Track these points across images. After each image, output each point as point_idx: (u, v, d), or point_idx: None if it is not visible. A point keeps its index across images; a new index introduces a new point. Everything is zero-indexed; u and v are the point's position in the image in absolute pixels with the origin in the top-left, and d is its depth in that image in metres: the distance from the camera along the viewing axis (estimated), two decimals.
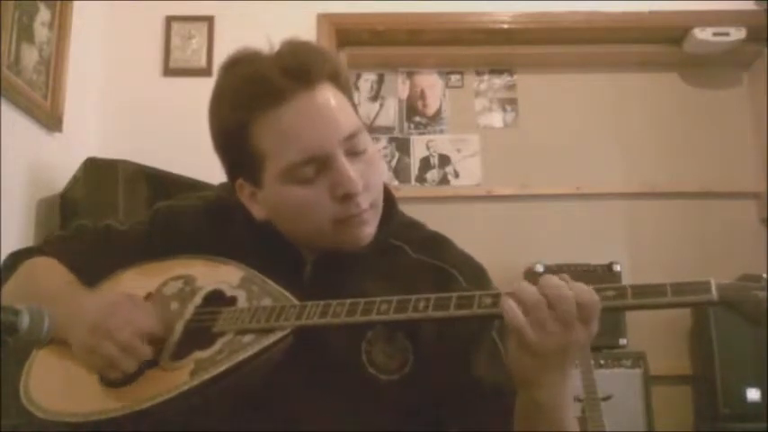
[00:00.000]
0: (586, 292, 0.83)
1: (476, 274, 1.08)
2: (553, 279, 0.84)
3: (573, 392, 0.91)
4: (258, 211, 1.06)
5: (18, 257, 1.19)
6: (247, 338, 0.93)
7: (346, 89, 1.05)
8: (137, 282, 1.11)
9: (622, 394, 2.76)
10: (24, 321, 0.82)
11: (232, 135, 1.02)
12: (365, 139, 1.03)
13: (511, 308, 0.83)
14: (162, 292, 1.08)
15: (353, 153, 1.01)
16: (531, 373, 0.86)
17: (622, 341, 2.93)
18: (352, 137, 1.00)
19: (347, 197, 0.99)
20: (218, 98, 1.05)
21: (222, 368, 0.91)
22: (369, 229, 1.03)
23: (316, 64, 1.00)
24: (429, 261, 1.08)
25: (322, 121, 0.98)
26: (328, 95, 1.00)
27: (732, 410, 2.79)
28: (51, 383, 1.01)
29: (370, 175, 1.02)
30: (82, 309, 1.01)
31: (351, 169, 0.99)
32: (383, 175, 1.09)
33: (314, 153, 0.98)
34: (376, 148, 1.07)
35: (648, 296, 0.82)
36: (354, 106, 1.07)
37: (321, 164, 0.99)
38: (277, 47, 1.02)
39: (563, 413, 0.89)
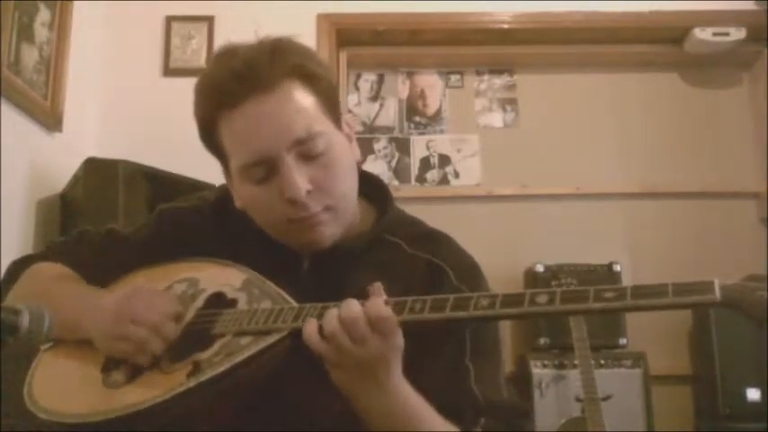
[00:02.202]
0: (376, 308, 0.87)
1: (467, 272, 1.08)
2: (348, 303, 0.88)
3: (408, 397, 0.92)
4: (237, 200, 1.09)
5: (21, 265, 1.19)
6: (245, 340, 0.94)
7: (316, 87, 1.03)
8: (143, 285, 1.11)
9: (622, 394, 2.76)
10: (24, 321, 0.82)
11: (204, 130, 1.07)
12: (326, 142, 1.02)
13: (308, 334, 0.89)
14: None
15: (308, 156, 1.01)
16: (346, 386, 0.90)
17: (622, 341, 2.93)
18: (304, 141, 1.00)
19: (291, 201, 1.00)
20: (195, 92, 1.08)
21: (219, 370, 0.91)
22: (326, 231, 1.03)
23: (268, 68, 1.00)
24: (423, 256, 1.09)
25: (269, 127, 0.99)
26: (282, 99, 1.00)
27: (732, 410, 2.79)
28: (54, 384, 1.02)
29: (324, 178, 1.02)
30: (100, 303, 1.02)
31: (296, 174, 0.99)
32: (348, 176, 1.06)
33: (260, 156, 1.00)
34: (343, 149, 1.06)
35: (649, 297, 0.79)
36: (327, 104, 1.05)
37: (270, 167, 1.01)
38: (252, 44, 1.04)
39: (405, 416, 0.92)
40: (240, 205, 1.09)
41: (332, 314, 0.89)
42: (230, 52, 1.04)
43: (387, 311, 0.87)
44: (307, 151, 1.01)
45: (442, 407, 0.95)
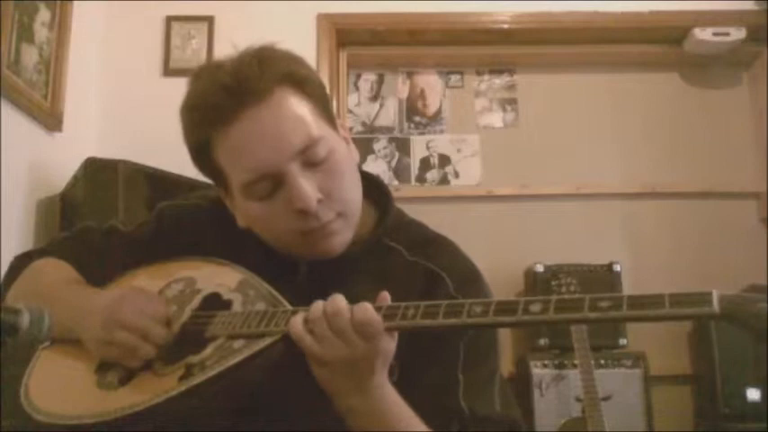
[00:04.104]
0: (363, 310, 0.86)
1: (465, 279, 1.06)
2: (335, 297, 0.88)
3: (392, 402, 0.92)
4: (239, 219, 1.07)
5: (23, 260, 1.19)
6: (238, 344, 0.93)
7: (309, 91, 1.01)
8: (142, 284, 1.11)
9: (622, 394, 2.76)
10: (24, 321, 0.82)
11: (197, 152, 1.04)
12: (327, 147, 1.00)
13: (294, 322, 0.88)
14: (164, 295, 1.08)
15: (312, 163, 0.99)
16: (326, 382, 0.89)
17: (622, 341, 2.92)
18: (305, 149, 0.98)
19: (302, 212, 0.98)
20: (181, 116, 1.05)
21: (211, 374, 0.91)
22: (338, 239, 1.02)
23: (257, 78, 0.96)
24: (421, 263, 1.07)
25: (268, 140, 0.96)
26: (278, 108, 0.97)
27: (732, 410, 2.79)
28: (49, 385, 1.02)
29: (332, 184, 1.00)
30: (92, 305, 1.02)
31: (304, 184, 0.97)
32: (352, 179, 1.03)
33: (264, 172, 0.97)
34: (344, 152, 1.04)
35: (645, 307, 0.78)
36: (322, 108, 1.03)
37: (275, 180, 0.98)
38: (236, 56, 1.01)
39: (386, 420, 0.91)
40: (244, 224, 1.06)
41: (318, 304, 0.88)
42: (214, 68, 1.00)
43: (371, 315, 0.86)
44: (310, 158, 0.98)
45: (428, 418, 0.94)
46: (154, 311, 1.00)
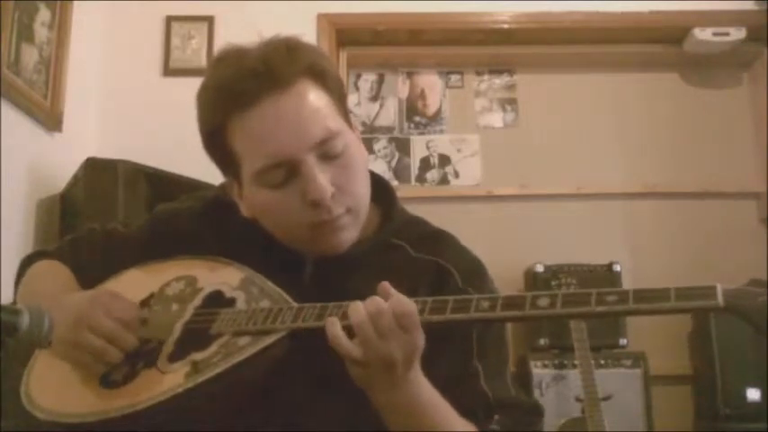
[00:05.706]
0: (403, 302, 0.86)
1: (472, 273, 1.07)
2: (373, 298, 0.87)
3: (428, 394, 0.92)
4: (245, 210, 1.07)
5: (29, 260, 1.21)
6: (243, 341, 0.93)
7: (330, 85, 1.02)
8: (140, 281, 1.11)
9: (622, 394, 2.76)
10: (24, 321, 0.82)
11: (211, 136, 1.03)
12: (343, 142, 1.00)
13: (336, 336, 0.87)
14: (164, 293, 1.08)
15: (327, 157, 0.99)
16: (363, 381, 0.89)
17: (622, 341, 2.92)
18: (324, 142, 0.98)
19: (315, 203, 0.98)
20: (199, 98, 1.04)
21: (217, 371, 0.90)
22: (346, 235, 1.02)
23: (285, 65, 0.97)
24: (428, 258, 1.07)
25: (289, 128, 0.97)
26: (299, 98, 0.98)
27: (732, 410, 2.79)
28: (51, 384, 1.02)
29: (345, 179, 1.00)
30: (62, 308, 1.01)
31: (319, 176, 0.97)
32: (364, 177, 1.05)
33: (280, 159, 0.97)
34: (358, 149, 1.05)
35: (651, 301, 0.79)
36: (339, 103, 1.04)
37: (290, 169, 0.98)
38: (263, 43, 1.01)
39: (424, 413, 0.91)
40: (250, 213, 1.06)
41: (357, 306, 0.87)
42: (239, 52, 1.01)
43: (411, 306, 0.86)
44: (327, 151, 0.99)
45: (453, 407, 0.94)
46: (121, 315, 1.00)
